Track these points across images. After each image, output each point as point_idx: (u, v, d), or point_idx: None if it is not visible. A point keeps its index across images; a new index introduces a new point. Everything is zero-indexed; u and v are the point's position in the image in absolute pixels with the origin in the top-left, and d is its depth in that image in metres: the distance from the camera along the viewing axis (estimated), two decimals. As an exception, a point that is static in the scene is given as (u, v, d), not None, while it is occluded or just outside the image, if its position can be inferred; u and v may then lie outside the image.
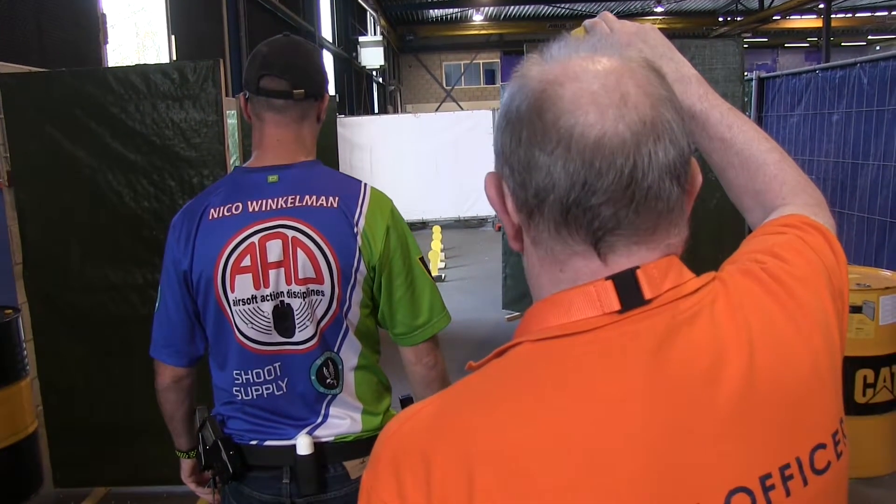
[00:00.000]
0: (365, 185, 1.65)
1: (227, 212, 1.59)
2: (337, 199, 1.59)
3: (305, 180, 1.61)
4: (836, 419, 0.72)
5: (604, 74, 0.67)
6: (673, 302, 0.68)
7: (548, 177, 0.66)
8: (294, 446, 1.60)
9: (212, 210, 1.61)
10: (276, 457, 1.63)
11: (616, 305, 0.67)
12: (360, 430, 1.64)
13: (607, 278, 0.68)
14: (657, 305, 0.67)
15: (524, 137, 0.67)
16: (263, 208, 1.58)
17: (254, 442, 1.64)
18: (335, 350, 1.62)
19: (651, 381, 0.65)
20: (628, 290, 0.67)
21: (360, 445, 1.64)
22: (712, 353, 0.67)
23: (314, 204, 1.58)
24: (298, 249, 1.56)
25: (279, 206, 1.58)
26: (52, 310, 3.64)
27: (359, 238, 1.57)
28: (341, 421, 1.64)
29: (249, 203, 1.59)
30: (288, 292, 1.57)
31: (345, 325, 1.61)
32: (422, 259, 1.68)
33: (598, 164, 0.65)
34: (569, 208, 0.66)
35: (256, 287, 1.57)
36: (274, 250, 1.56)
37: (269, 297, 1.57)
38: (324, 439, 1.63)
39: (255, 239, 1.57)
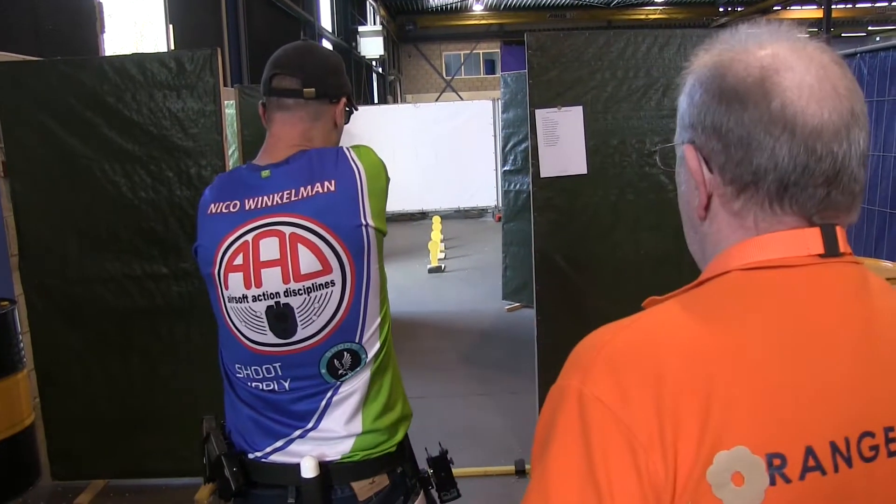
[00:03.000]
0: (356, 164, 1.59)
1: (225, 209, 1.57)
2: (333, 182, 1.54)
3: (298, 171, 1.56)
4: None
5: (812, 65, 0.76)
6: (856, 262, 0.79)
7: (771, 158, 0.74)
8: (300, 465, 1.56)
9: (211, 205, 1.59)
10: (281, 475, 1.58)
11: (820, 249, 0.76)
12: (360, 431, 1.59)
13: (814, 226, 0.77)
14: (848, 261, 0.78)
15: (746, 119, 0.75)
16: (259, 205, 1.55)
17: (258, 453, 1.60)
18: (356, 340, 1.56)
19: (857, 315, 0.75)
20: (830, 240, 0.77)
21: (368, 465, 1.60)
22: (889, 306, 0.79)
23: (310, 194, 1.53)
24: (299, 245, 1.51)
25: (275, 203, 1.54)
26: (49, 301, 3.64)
27: (369, 220, 1.55)
28: (337, 424, 1.58)
29: (246, 201, 1.56)
30: (286, 291, 1.52)
31: (363, 312, 1.56)
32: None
33: (820, 150, 0.74)
34: (787, 187, 0.75)
35: (247, 286, 1.53)
36: (268, 249, 1.52)
37: (261, 298, 1.52)
38: (329, 458, 1.58)
39: (248, 237, 1.53)
